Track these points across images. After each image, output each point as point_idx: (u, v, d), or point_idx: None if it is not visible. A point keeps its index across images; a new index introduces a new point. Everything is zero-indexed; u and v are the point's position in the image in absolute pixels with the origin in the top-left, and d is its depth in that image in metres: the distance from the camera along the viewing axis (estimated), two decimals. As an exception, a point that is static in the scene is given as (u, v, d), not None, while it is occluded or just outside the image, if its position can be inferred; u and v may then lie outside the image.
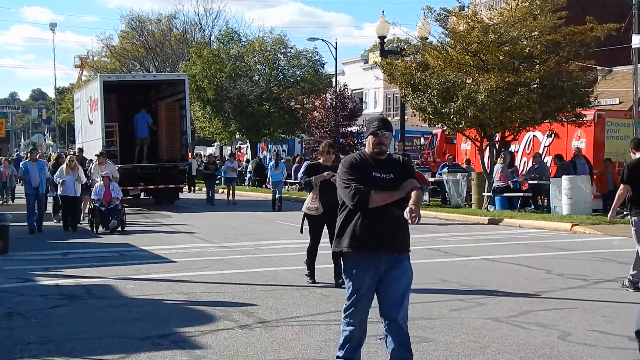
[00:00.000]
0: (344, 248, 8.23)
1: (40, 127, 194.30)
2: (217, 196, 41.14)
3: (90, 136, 41.58)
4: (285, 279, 15.95)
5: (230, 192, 40.82)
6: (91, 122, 41.32)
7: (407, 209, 7.88)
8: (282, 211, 34.99)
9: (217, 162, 50.89)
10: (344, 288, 13.14)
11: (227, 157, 48.79)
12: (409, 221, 7.96)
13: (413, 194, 8.03)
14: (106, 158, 29.86)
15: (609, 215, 16.30)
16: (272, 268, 17.51)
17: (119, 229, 26.29)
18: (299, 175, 15.70)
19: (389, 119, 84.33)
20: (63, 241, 23.84)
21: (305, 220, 15.56)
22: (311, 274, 15.39)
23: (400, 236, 8.22)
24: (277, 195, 37.19)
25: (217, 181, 47.49)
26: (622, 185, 14.91)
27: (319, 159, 15.79)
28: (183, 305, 13.29)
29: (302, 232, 15.68)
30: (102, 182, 27.02)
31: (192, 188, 52.85)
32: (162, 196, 39.86)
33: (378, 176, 8.18)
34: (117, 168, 30.49)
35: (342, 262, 8.46)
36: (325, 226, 15.14)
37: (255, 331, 11.26)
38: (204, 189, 45.24)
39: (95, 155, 30.94)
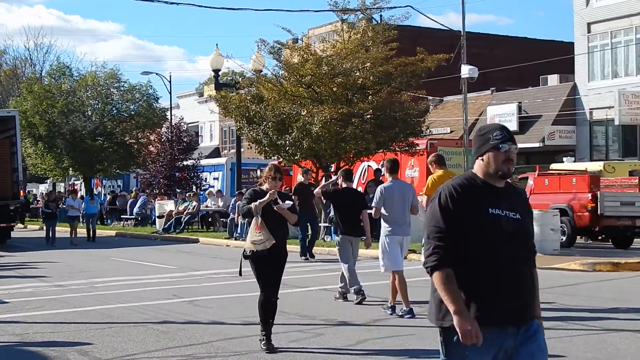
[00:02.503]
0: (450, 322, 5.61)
1: None
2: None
3: None
4: (121, 316, 15.64)
5: (73, 231, 38.68)
6: None
7: None
8: (117, 247, 34.50)
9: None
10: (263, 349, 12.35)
11: (67, 195, 46.82)
12: None
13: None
14: None
15: None
16: (108, 305, 17.15)
17: None
18: (239, 203, 13.92)
19: (224, 151, 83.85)
20: None
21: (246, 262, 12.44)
22: (267, 336, 12.00)
23: (533, 296, 5.92)
24: (91, 227, 39.44)
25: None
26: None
27: (262, 185, 12.72)
28: (15, 347, 12.88)
29: (241, 274, 12.73)
30: None
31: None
32: (-8, 235, 38.66)
33: (499, 214, 5.71)
34: None
35: (442, 341, 5.76)
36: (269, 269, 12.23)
37: (90, 371, 10.99)
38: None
39: None
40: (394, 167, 15.70)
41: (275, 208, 12.07)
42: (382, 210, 15.29)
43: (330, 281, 19.97)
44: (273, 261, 12.10)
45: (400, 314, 14.78)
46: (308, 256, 27.62)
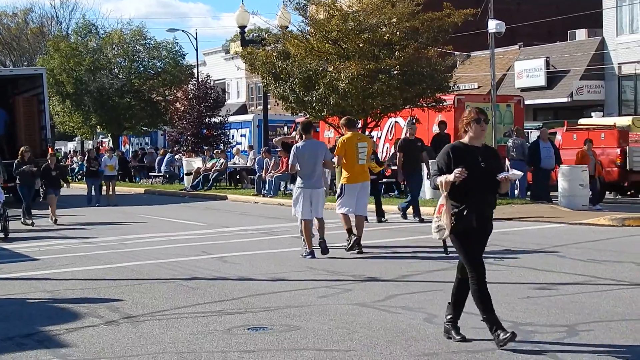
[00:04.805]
0: None
1: None
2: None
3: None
4: (151, 272, 15.74)
5: (109, 189, 37.18)
6: (-57, 122, 40.12)
7: None
8: (145, 205, 34.71)
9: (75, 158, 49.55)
10: None
11: (105, 153, 45.09)
12: None
13: None
14: None
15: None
16: (137, 262, 17.28)
17: (2, 235, 23.31)
18: (266, 160, 14.53)
19: (251, 108, 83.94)
20: None
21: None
22: (455, 322, 9.98)
23: None
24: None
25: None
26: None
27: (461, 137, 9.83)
28: (47, 304, 13.01)
29: (447, 252, 10.35)
30: None
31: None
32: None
33: None
34: None
35: None
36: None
37: (121, 327, 11.07)
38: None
39: None
40: (306, 128, 17.78)
41: (499, 179, 9.49)
42: (297, 167, 17.52)
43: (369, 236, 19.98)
44: (474, 231, 9.65)
45: (303, 254, 17.13)
46: (415, 216, 24.48)
